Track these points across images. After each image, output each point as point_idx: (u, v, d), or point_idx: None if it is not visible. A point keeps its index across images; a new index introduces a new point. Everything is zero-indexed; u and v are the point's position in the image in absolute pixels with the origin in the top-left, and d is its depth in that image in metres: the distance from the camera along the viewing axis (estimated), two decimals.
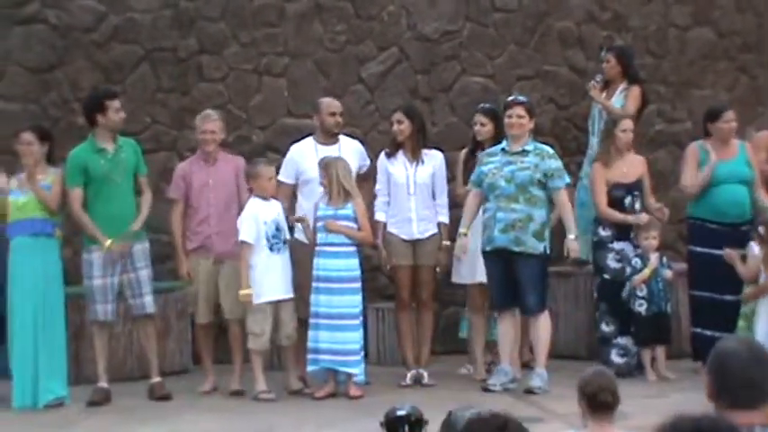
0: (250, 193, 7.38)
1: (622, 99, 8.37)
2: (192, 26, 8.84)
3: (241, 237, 7.21)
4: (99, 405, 7.20)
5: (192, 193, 7.48)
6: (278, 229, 7.29)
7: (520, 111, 7.27)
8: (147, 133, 8.61)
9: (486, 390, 7.18)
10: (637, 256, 7.57)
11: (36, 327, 7.15)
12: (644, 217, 7.63)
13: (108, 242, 7.18)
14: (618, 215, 7.65)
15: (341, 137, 7.72)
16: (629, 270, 7.58)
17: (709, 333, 7.57)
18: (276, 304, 7.27)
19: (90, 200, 7.30)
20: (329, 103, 7.74)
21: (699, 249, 7.74)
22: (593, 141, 8.44)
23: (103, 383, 7.34)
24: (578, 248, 7.29)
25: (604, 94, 8.41)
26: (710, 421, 2.23)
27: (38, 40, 8.73)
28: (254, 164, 7.50)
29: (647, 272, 7.53)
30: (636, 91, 8.36)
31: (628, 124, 7.77)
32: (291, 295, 7.32)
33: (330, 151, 7.52)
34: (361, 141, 8.60)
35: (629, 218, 7.67)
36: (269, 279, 7.23)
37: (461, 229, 7.38)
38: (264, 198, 7.31)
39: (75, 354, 7.73)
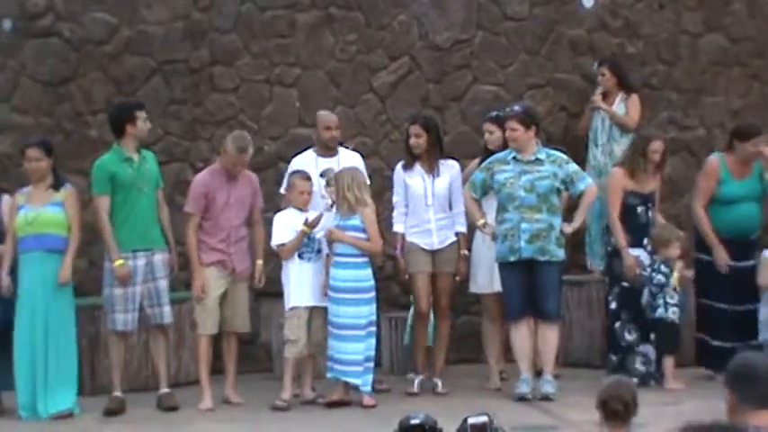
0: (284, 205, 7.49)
1: (623, 108, 8.58)
2: (203, 38, 8.89)
3: (274, 242, 7.37)
4: (114, 415, 7.24)
5: (213, 210, 7.44)
6: (310, 238, 7.35)
7: (512, 123, 7.34)
8: (160, 145, 8.65)
9: (521, 399, 7.19)
10: (662, 263, 7.53)
11: (47, 339, 7.18)
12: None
13: (119, 262, 7.23)
14: (620, 234, 7.57)
15: (340, 149, 7.81)
16: (658, 277, 7.51)
17: (715, 343, 7.62)
18: (309, 312, 7.33)
19: (116, 208, 7.36)
20: (324, 117, 7.81)
21: (707, 258, 7.75)
22: (596, 153, 8.52)
23: (118, 393, 7.38)
24: (568, 232, 7.29)
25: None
26: (720, 429, 2.22)
27: (51, 53, 8.80)
28: (291, 175, 7.55)
29: (677, 275, 7.50)
30: (635, 98, 8.61)
31: (657, 146, 7.72)
32: (324, 304, 7.34)
33: (330, 163, 7.62)
34: (372, 152, 8.67)
35: (623, 242, 7.56)
36: (300, 286, 7.33)
37: (480, 221, 7.40)
38: (302, 210, 7.39)
39: (90, 364, 7.79)
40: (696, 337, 7.83)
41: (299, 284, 7.34)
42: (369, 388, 7.27)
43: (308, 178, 7.45)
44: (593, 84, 9.00)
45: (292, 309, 7.33)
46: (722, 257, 7.65)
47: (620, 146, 8.47)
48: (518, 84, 9.07)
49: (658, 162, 7.72)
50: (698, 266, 7.89)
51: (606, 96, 8.68)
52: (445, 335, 7.78)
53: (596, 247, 8.47)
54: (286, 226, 7.37)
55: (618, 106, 8.63)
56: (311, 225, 7.32)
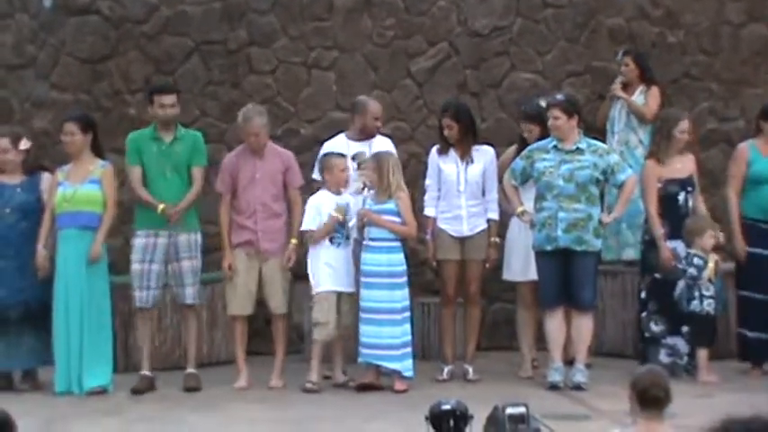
0: (318, 187, 7.48)
1: (642, 99, 8.56)
2: (242, 19, 8.92)
3: (303, 226, 7.34)
4: (142, 393, 7.30)
5: (239, 187, 7.49)
6: (341, 224, 7.37)
7: (555, 112, 7.34)
8: (196, 125, 8.69)
9: (552, 387, 7.20)
10: (695, 255, 7.49)
11: (81, 316, 7.25)
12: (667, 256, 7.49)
13: (161, 206, 7.32)
14: (657, 226, 7.56)
15: None
16: (690, 270, 7.48)
17: (757, 335, 7.58)
18: (338, 296, 7.35)
19: (144, 184, 7.49)
20: (374, 107, 7.79)
21: (750, 249, 7.71)
22: (612, 141, 8.49)
23: (147, 372, 7.44)
24: (607, 222, 7.33)
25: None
26: (762, 423, 2.21)
27: (91, 31, 8.87)
28: (327, 157, 7.55)
29: (711, 266, 7.45)
30: (655, 91, 8.57)
31: (685, 125, 7.74)
32: (352, 289, 7.36)
33: (363, 148, 7.63)
34: (409, 137, 8.67)
35: (659, 233, 7.53)
36: (329, 270, 7.34)
37: (519, 209, 7.39)
38: (336, 192, 7.40)
39: (123, 341, 7.87)
40: (738, 333, 7.80)
41: (330, 269, 7.35)
42: (411, 372, 7.28)
43: (343, 155, 7.48)
44: None
45: (327, 292, 7.35)
46: (740, 246, 7.65)
47: (637, 135, 8.48)
48: (556, 71, 9.03)
49: (687, 143, 7.70)
50: (738, 258, 7.84)
51: (627, 86, 8.63)
52: (475, 321, 7.79)
53: (611, 240, 8.40)
54: (316, 210, 7.37)
55: (637, 97, 8.58)
56: (342, 212, 7.33)
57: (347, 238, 7.41)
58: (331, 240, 7.37)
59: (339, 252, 7.38)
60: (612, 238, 8.32)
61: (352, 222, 7.41)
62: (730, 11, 9.29)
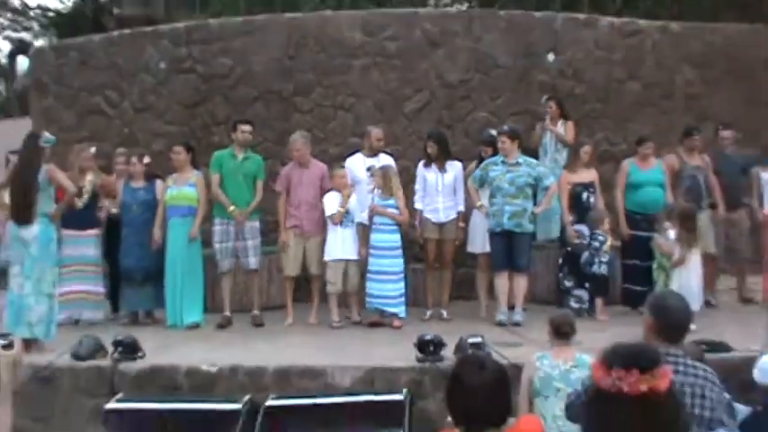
0: (330, 189, 7.49)
1: (563, 131, 8.54)
2: (291, 76, 8.93)
3: (327, 213, 7.34)
4: (224, 327, 7.35)
5: (291, 188, 7.57)
6: (348, 212, 7.38)
7: (503, 138, 7.37)
8: (260, 148, 8.71)
9: (499, 324, 7.20)
10: (599, 234, 7.51)
11: (183, 276, 7.32)
12: (573, 234, 7.54)
13: (232, 208, 7.38)
14: (567, 215, 7.64)
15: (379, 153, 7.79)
16: (594, 243, 7.50)
17: (635, 288, 7.62)
18: (345, 263, 7.35)
19: (222, 188, 7.51)
20: (375, 132, 7.80)
21: (631, 232, 7.75)
22: (545, 160, 8.46)
23: (227, 313, 7.49)
24: (537, 212, 7.34)
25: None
26: (640, 347, 2.25)
27: (190, 84, 8.89)
28: (332, 168, 7.59)
29: (608, 243, 7.50)
30: (570, 125, 8.56)
31: (588, 148, 7.84)
32: (356, 258, 7.38)
33: (373, 162, 7.65)
34: (402, 155, 8.68)
35: (569, 219, 7.61)
36: (339, 245, 7.35)
37: (478, 203, 7.43)
38: (339, 191, 7.40)
39: (211, 292, 7.90)
40: (623, 287, 7.84)
41: (342, 243, 7.34)
42: (404, 314, 7.31)
43: (344, 167, 7.52)
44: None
45: (336, 260, 7.34)
46: (624, 230, 7.68)
47: (561, 155, 8.48)
48: (504, 112, 9.04)
49: (589, 159, 7.78)
50: (622, 237, 7.88)
51: (551, 121, 8.62)
52: (448, 280, 7.80)
53: (544, 224, 8.39)
54: (332, 203, 7.40)
55: (559, 128, 8.58)
56: (344, 206, 7.36)
57: (352, 221, 7.42)
58: (341, 224, 7.37)
59: (347, 231, 7.38)
60: (545, 223, 8.34)
61: (365, 213, 7.42)
62: (617, 72, 9.33)
